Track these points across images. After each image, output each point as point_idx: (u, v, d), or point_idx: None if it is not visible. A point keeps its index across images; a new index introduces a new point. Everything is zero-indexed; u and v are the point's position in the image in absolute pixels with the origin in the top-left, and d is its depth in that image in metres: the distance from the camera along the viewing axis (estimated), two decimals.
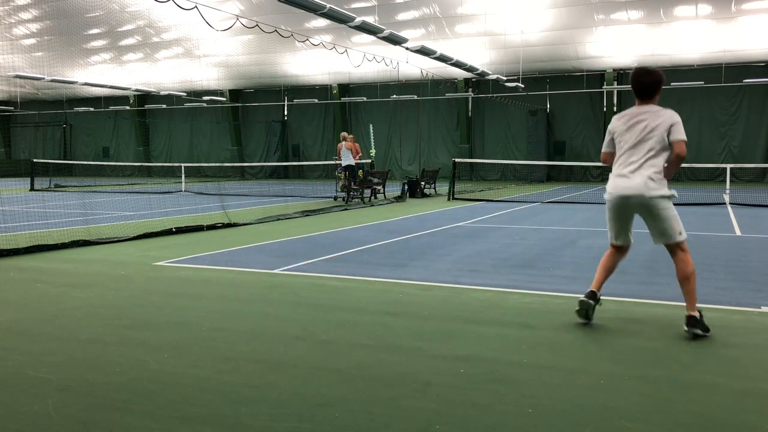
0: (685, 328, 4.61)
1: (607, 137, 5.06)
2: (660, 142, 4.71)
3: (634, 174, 4.77)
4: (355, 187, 18.15)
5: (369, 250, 8.94)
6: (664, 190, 4.76)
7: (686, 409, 3.34)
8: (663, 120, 4.71)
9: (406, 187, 19.61)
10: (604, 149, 5.13)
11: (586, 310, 4.93)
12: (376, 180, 18.97)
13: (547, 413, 3.29)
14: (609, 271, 5.19)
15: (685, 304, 4.75)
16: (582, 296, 4.99)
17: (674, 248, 4.86)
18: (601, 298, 5.08)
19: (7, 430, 3.09)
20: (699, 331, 4.57)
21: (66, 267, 7.63)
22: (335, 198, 18.75)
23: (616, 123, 4.93)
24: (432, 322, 5.05)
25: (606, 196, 5.00)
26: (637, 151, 4.78)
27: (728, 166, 19.77)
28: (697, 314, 4.63)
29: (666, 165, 4.81)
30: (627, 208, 4.91)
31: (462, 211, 14.95)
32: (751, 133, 29.07)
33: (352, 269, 7.34)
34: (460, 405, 3.39)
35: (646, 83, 4.80)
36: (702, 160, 28.42)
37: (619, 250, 5.24)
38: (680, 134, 4.69)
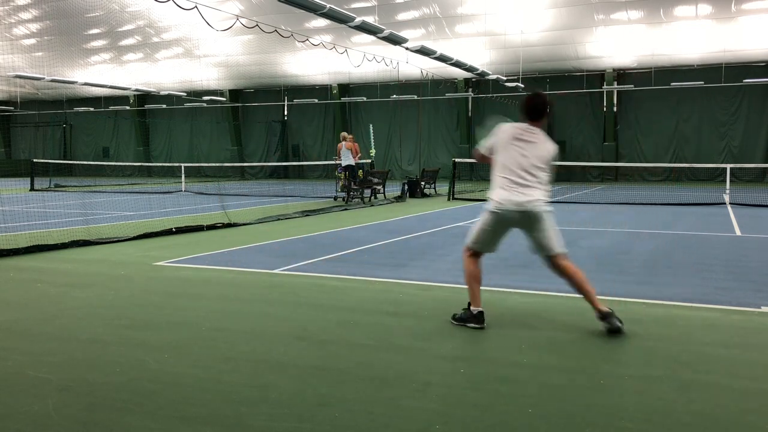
0: (607, 324, 4.69)
1: (490, 141, 5.17)
2: (546, 164, 5.05)
3: (528, 189, 4.92)
4: (355, 187, 18.15)
5: (369, 250, 8.94)
6: (548, 207, 5.02)
7: (686, 409, 3.34)
8: (550, 148, 5.05)
9: (406, 187, 19.61)
10: (482, 151, 5.24)
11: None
12: (376, 180, 18.97)
13: (547, 413, 3.29)
14: (480, 280, 5.16)
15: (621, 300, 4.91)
16: (475, 325, 4.90)
17: (557, 258, 4.99)
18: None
19: (7, 430, 3.09)
20: (617, 323, 4.65)
21: (66, 267, 7.63)
22: (335, 198, 18.74)
23: (506, 133, 5.07)
24: (432, 322, 5.05)
25: (492, 207, 4.99)
26: (530, 168, 4.97)
27: (728, 166, 19.76)
28: (608, 310, 4.75)
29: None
30: (512, 221, 5.00)
31: (462, 211, 14.95)
32: (751, 133, 29.07)
33: (352, 269, 7.34)
34: (460, 405, 3.39)
35: (538, 105, 5.06)
36: (702, 160, 28.43)
37: (479, 256, 5.26)
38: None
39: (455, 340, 4.55)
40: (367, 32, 19.16)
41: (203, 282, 6.72)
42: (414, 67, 27.27)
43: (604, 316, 4.72)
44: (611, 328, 4.66)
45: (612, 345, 4.46)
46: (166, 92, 33.80)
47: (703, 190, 21.31)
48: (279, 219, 13.01)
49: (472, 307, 4.98)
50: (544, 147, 5.03)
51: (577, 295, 5.39)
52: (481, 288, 5.09)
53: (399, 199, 18.76)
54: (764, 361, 4.15)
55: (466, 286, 6.42)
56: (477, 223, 5.18)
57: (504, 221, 5.01)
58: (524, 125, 5.08)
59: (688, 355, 4.22)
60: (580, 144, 31.98)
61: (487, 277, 6.92)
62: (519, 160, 4.95)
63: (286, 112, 37.58)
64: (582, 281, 4.89)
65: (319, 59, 30.79)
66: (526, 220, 4.94)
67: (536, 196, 4.91)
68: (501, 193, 4.95)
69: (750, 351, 4.33)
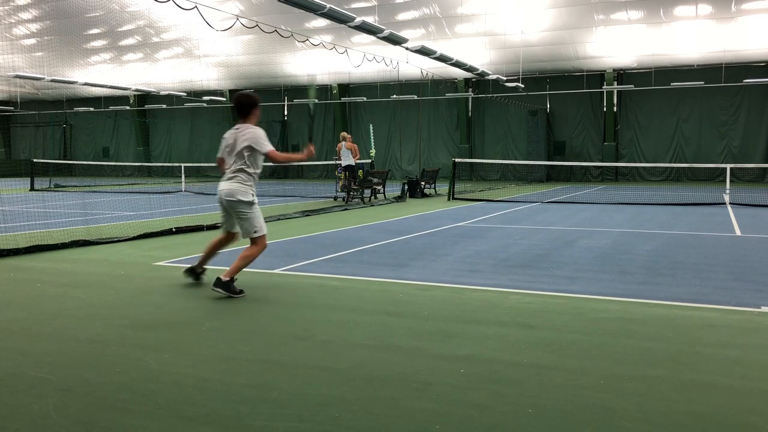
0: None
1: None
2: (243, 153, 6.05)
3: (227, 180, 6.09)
4: (355, 187, 18.15)
5: (369, 250, 8.94)
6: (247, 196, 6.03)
7: (686, 409, 3.34)
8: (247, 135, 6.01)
9: (406, 187, 19.61)
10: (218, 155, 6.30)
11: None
12: (376, 180, 18.97)
13: (547, 413, 3.29)
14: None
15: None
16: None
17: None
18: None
19: (7, 430, 3.09)
20: (222, 292, 5.85)
21: (66, 267, 7.63)
22: (335, 198, 18.75)
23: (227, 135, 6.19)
24: (432, 322, 5.05)
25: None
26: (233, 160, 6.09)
27: (728, 166, 19.77)
28: (228, 279, 5.92)
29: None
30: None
31: (462, 211, 14.95)
32: (751, 133, 29.08)
33: (352, 269, 7.34)
34: (460, 405, 3.39)
35: (243, 104, 6.09)
36: (702, 160, 28.45)
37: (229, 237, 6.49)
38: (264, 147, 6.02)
39: (455, 340, 4.55)
40: (367, 32, 19.16)
41: (203, 282, 6.72)
42: (414, 67, 27.27)
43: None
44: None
45: (612, 345, 4.46)
46: (166, 92, 33.79)
47: (703, 190, 21.32)
48: (279, 219, 13.01)
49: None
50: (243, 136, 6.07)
51: (578, 295, 5.41)
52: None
53: (399, 199, 18.76)
54: (764, 361, 4.14)
55: (466, 286, 6.46)
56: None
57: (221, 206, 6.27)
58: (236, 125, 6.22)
59: (688, 355, 4.22)
60: (580, 144, 31.98)
61: (487, 277, 6.94)
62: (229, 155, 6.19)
63: (286, 112, 37.58)
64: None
65: (319, 59, 30.79)
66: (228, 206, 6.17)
67: (231, 187, 6.08)
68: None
69: (750, 351, 4.33)
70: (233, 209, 6.05)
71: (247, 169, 6.03)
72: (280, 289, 6.32)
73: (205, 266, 6.61)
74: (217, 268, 6.82)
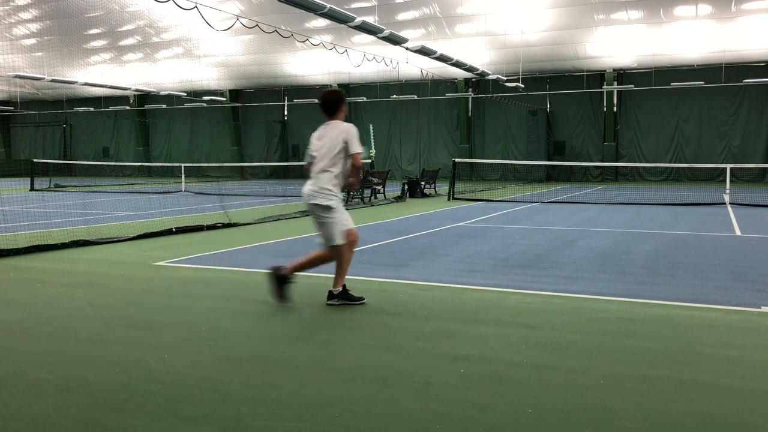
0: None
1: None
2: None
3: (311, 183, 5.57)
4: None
5: (369, 250, 8.94)
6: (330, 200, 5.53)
7: (686, 409, 3.34)
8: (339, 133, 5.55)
9: (406, 187, 19.61)
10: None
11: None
12: (376, 180, 18.97)
13: (547, 413, 3.29)
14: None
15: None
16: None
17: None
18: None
19: (7, 430, 3.09)
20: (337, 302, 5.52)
21: (66, 267, 7.62)
22: None
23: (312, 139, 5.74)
24: (432, 322, 5.05)
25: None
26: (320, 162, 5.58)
27: (728, 166, 19.78)
28: (338, 289, 5.57)
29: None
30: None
31: (462, 211, 14.95)
32: (751, 133, 29.09)
33: (352, 269, 7.29)
34: (460, 405, 3.39)
35: (329, 102, 5.68)
36: (702, 160, 28.44)
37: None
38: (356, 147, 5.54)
39: (455, 340, 4.55)
40: (367, 32, 19.17)
41: (203, 282, 6.72)
42: (414, 67, 27.27)
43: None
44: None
45: (612, 345, 4.46)
46: (166, 92, 33.80)
47: (703, 190, 21.31)
48: (279, 219, 13.01)
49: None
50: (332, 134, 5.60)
51: (578, 295, 5.40)
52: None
53: (399, 199, 18.76)
54: (764, 361, 4.14)
55: (466, 286, 6.46)
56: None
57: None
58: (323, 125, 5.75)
59: (688, 355, 4.22)
60: (580, 144, 31.98)
61: (487, 276, 6.94)
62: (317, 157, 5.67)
63: (286, 112, 37.58)
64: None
65: (319, 59, 30.80)
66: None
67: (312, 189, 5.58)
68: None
69: (750, 351, 4.33)
70: (313, 213, 5.59)
71: (331, 169, 5.52)
72: None
73: (296, 273, 5.76)
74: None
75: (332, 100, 5.70)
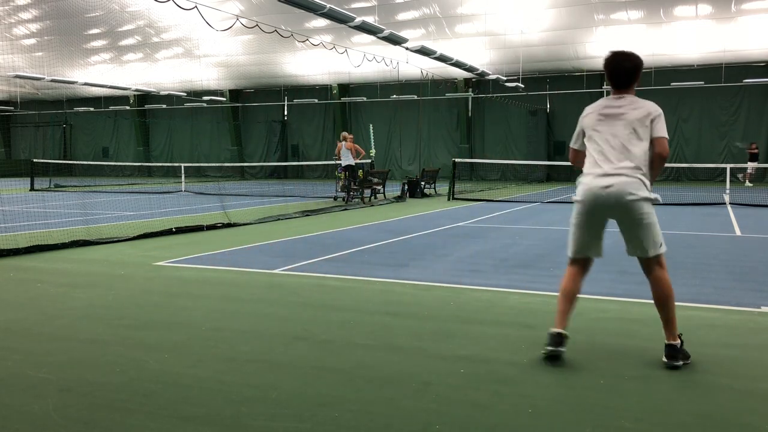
0: (665, 359, 3.96)
1: (577, 131, 4.32)
2: (640, 137, 4.06)
3: (612, 174, 4.03)
4: (355, 187, 18.15)
5: (369, 250, 8.94)
6: (647, 192, 4.03)
7: (686, 409, 3.34)
8: (642, 112, 4.07)
9: (406, 187, 19.61)
10: (572, 145, 4.39)
11: (558, 357, 4.06)
12: (376, 180, 18.97)
13: (547, 413, 3.29)
14: (573, 299, 4.27)
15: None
16: (548, 346, 4.04)
17: (650, 263, 4.12)
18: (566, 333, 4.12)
19: (7, 430, 3.09)
20: (680, 363, 3.92)
21: (66, 267, 7.62)
22: (335, 198, 18.74)
23: (588, 117, 4.24)
24: (432, 322, 5.05)
25: (578, 198, 4.18)
26: (615, 149, 4.07)
27: (728, 166, 19.76)
28: (678, 342, 3.98)
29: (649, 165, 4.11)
30: (602, 212, 4.09)
31: (462, 211, 14.95)
32: (751, 133, 29.07)
33: (352, 269, 7.33)
34: (460, 405, 3.39)
35: (625, 69, 4.20)
36: (702, 160, 28.43)
37: (585, 266, 4.37)
38: (662, 131, 4.06)
39: (455, 340, 4.55)
40: (367, 32, 19.17)
41: (203, 282, 6.72)
42: (414, 67, 27.26)
43: (671, 352, 3.95)
44: (671, 364, 3.92)
45: (612, 345, 4.46)
46: (166, 92, 33.78)
47: (703, 190, 21.30)
48: (279, 219, 13.01)
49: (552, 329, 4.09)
50: (633, 114, 4.08)
51: (578, 295, 5.37)
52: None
53: (399, 199, 18.76)
54: (764, 361, 4.14)
55: (466, 286, 6.45)
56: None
57: (592, 213, 4.12)
58: (606, 101, 4.24)
59: None
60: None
61: (487, 276, 6.93)
62: (604, 143, 4.11)
63: (286, 112, 37.58)
64: (662, 302, 4.07)
65: (319, 59, 30.79)
66: (616, 210, 4.04)
67: (623, 181, 4.00)
68: (584, 183, 4.14)
69: (750, 351, 4.33)
70: (629, 213, 3.99)
71: (637, 156, 4.03)
72: (280, 289, 6.32)
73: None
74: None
75: (630, 67, 4.19)
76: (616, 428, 3.11)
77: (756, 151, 25.58)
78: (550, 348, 4.02)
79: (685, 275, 6.96)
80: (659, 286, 4.09)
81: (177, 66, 33.21)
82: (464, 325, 4.96)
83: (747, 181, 25.89)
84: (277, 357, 4.20)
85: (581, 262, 4.33)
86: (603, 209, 4.07)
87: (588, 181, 4.11)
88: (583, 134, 4.28)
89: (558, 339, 4.04)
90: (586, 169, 4.19)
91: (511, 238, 10.01)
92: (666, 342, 4.02)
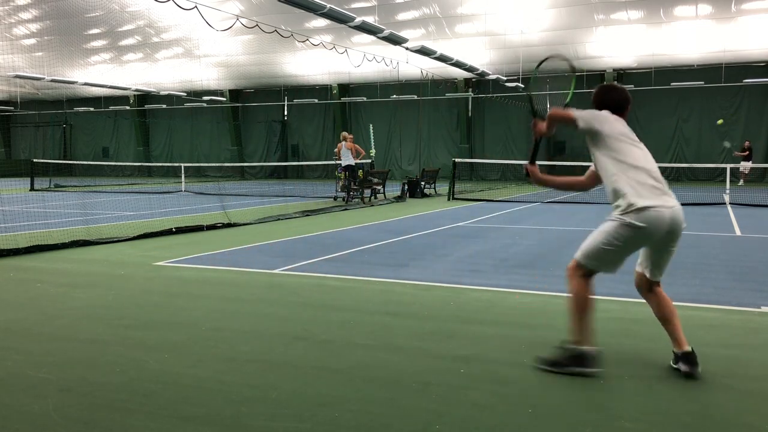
0: (685, 368, 3.78)
1: (600, 120, 4.25)
2: None
3: (671, 195, 3.90)
4: (355, 187, 18.15)
5: (369, 250, 8.94)
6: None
7: (686, 409, 3.34)
8: None
9: (406, 187, 19.61)
10: (583, 124, 4.37)
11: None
12: (376, 180, 18.97)
13: (547, 413, 3.29)
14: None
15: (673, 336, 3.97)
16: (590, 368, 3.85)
17: (659, 282, 4.19)
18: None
19: (7, 430, 3.09)
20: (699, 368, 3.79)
21: (66, 267, 7.62)
22: (335, 198, 18.74)
23: (620, 123, 4.23)
24: (432, 322, 5.05)
25: (641, 221, 3.80)
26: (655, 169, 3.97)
27: (728, 166, 19.76)
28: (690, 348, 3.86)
29: None
30: (660, 236, 3.85)
31: (462, 211, 14.95)
32: (751, 133, 29.07)
33: (352, 269, 7.33)
34: (460, 405, 3.39)
35: (628, 101, 4.46)
36: (702, 160, 28.42)
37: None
38: None
39: (455, 340, 4.55)
40: (367, 32, 19.17)
41: (203, 282, 6.72)
42: (414, 67, 27.26)
43: (680, 357, 3.83)
44: (688, 371, 3.76)
45: (612, 345, 4.46)
46: (166, 92, 33.78)
47: (703, 190, 21.30)
48: (279, 219, 13.01)
49: (579, 346, 3.87)
50: None
51: None
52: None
53: (399, 199, 18.76)
54: (764, 361, 4.14)
55: (466, 286, 6.45)
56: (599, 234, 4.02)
57: (656, 238, 3.88)
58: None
59: None
60: (581, 144, 31.79)
61: (487, 276, 6.93)
62: (645, 160, 4.09)
63: (286, 112, 37.58)
64: (672, 315, 4.04)
65: (319, 59, 30.79)
66: (673, 236, 3.91)
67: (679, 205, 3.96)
68: (652, 202, 3.84)
69: (750, 351, 4.33)
70: (677, 239, 3.93)
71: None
72: (280, 289, 6.32)
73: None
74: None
75: (629, 100, 4.48)
76: (616, 428, 3.11)
77: (746, 154, 25.49)
78: (593, 370, 3.84)
79: (685, 275, 6.96)
80: (667, 300, 4.11)
81: (177, 66, 33.21)
82: (464, 325, 4.96)
83: (742, 180, 25.88)
84: (277, 357, 4.20)
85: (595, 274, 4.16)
86: (663, 234, 3.82)
87: (659, 203, 3.81)
88: (604, 133, 4.19)
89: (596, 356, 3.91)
90: (639, 185, 3.89)
91: (511, 238, 10.01)
92: (684, 350, 3.81)
